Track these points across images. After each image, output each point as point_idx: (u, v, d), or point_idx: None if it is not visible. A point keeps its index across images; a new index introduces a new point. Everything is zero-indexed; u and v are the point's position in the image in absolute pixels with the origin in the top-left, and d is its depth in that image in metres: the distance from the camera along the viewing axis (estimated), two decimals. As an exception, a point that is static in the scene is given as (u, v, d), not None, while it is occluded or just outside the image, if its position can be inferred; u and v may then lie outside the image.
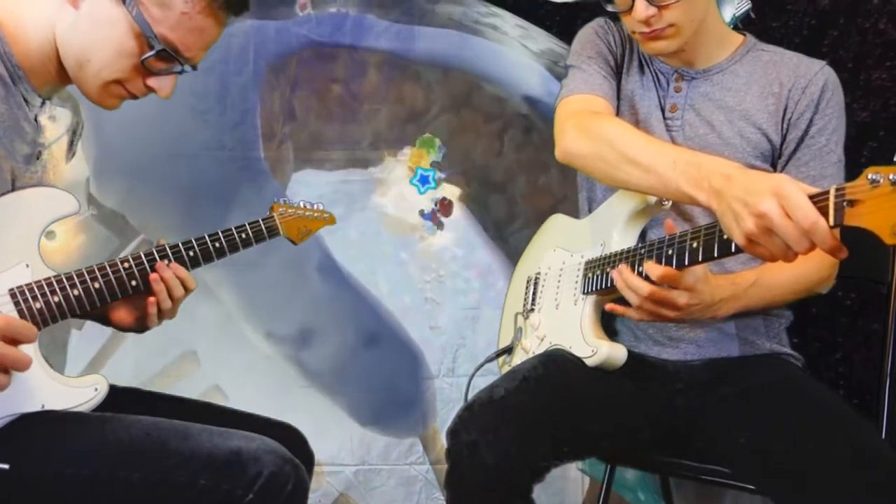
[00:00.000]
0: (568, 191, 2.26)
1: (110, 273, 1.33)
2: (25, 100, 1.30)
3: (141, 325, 1.42)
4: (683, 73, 1.60)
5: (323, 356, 2.25)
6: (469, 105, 2.30)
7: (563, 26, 2.23)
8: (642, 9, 1.46)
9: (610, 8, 1.54)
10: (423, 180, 2.28)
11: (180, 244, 1.41)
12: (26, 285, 1.26)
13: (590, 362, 1.49)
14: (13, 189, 1.29)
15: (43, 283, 1.28)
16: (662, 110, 1.61)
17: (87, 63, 1.28)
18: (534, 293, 1.72)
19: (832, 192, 1.04)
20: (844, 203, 1.02)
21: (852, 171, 1.03)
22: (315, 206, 1.66)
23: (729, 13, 2.14)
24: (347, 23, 2.25)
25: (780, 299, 1.53)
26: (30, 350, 1.18)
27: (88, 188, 2.16)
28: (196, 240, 1.42)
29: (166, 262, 1.38)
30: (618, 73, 1.65)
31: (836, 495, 1.25)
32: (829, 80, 1.53)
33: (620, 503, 2.24)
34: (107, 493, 1.20)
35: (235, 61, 2.19)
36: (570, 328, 1.55)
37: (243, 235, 1.48)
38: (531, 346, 1.65)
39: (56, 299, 1.28)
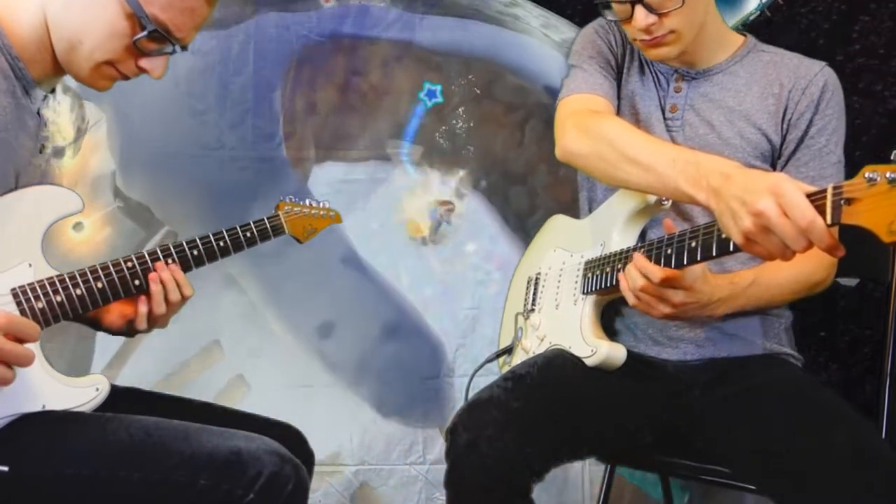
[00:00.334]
0: (588, 183, 2.25)
1: (113, 272, 1.34)
2: (27, 92, 1.30)
3: (131, 329, 1.41)
4: (684, 73, 1.60)
5: (345, 347, 2.25)
6: (490, 96, 2.28)
7: (585, 16, 2.17)
8: (642, 17, 1.46)
9: (610, 16, 1.55)
10: (430, 94, 2.28)
11: (184, 243, 1.41)
12: (28, 285, 1.26)
13: (589, 362, 1.49)
14: (17, 187, 1.29)
15: (45, 282, 1.28)
16: (662, 110, 1.61)
17: (78, 44, 1.27)
18: (534, 293, 1.72)
19: (829, 190, 1.04)
20: (842, 201, 1.02)
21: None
22: (321, 204, 1.66)
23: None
24: (368, 13, 2.24)
25: (778, 299, 1.53)
26: (32, 349, 1.18)
27: (115, 181, 2.17)
28: (200, 239, 1.42)
29: (168, 261, 1.38)
30: (618, 72, 1.65)
31: (836, 495, 1.25)
32: (829, 80, 1.54)
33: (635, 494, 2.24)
34: (107, 493, 1.20)
35: (255, 57, 2.20)
36: (570, 328, 1.55)
37: (248, 234, 1.48)
38: (531, 346, 1.65)
39: (58, 299, 1.28)
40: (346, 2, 2.23)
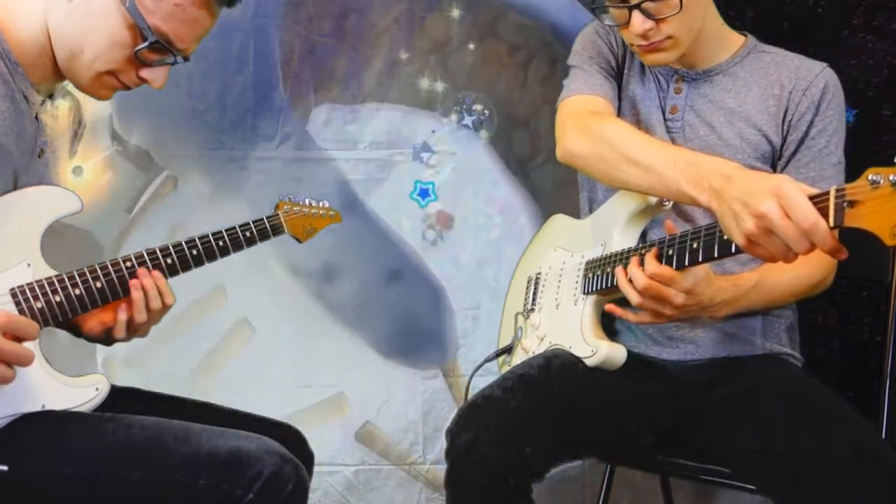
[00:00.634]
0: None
1: (112, 272, 1.33)
2: (26, 97, 1.30)
3: (109, 337, 1.39)
4: (684, 74, 1.60)
5: (347, 291, 2.25)
6: (493, 34, 2.23)
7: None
8: (639, 23, 1.46)
9: (607, 21, 1.54)
10: (423, 193, 2.28)
11: (183, 243, 1.40)
12: (27, 285, 1.26)
13: (590, 362, 1.50)
14: (15, 188, 1.29)
15: (44, 282, 1.28)
16: (663, 111, 1.61)
17: (80, 53, 1.27)
18: (534, 293, 1.72)
19: (832, 192, 1.04)
20: (844, 204, 1.02)
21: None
22: (321, 204, 1.66)
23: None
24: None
25: (779, 300, 1.53)
26: (31, 348, 1.18)
27: (112, 124, 2.16)
28: (200, 238, 1.42)
29: (152, 267, 1.36)
30: (619, 73, 1.65)
31: (836, 495, 1.25)
32: (829, 81, 1.53)
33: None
34: (107, 493, 1.20)
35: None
36: (570, 328, 1.55)
37: (247, 234, 1.48)
38: (531, 346, 1.65)
39: (57, 299, 1.28)
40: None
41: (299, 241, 1.62)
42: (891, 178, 0.96)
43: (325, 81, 2.22)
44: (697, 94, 1.59)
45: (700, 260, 1.30)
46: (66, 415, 1.26)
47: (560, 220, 1.81)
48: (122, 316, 1.34)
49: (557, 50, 2.23)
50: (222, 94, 2.17)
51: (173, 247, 1.39)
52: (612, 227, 1.54)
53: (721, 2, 1.57)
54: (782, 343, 1.60)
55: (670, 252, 1.35)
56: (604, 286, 1.49)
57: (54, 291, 1.28)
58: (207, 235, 1.43)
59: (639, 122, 1.61)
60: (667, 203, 1.49)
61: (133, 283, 1.34)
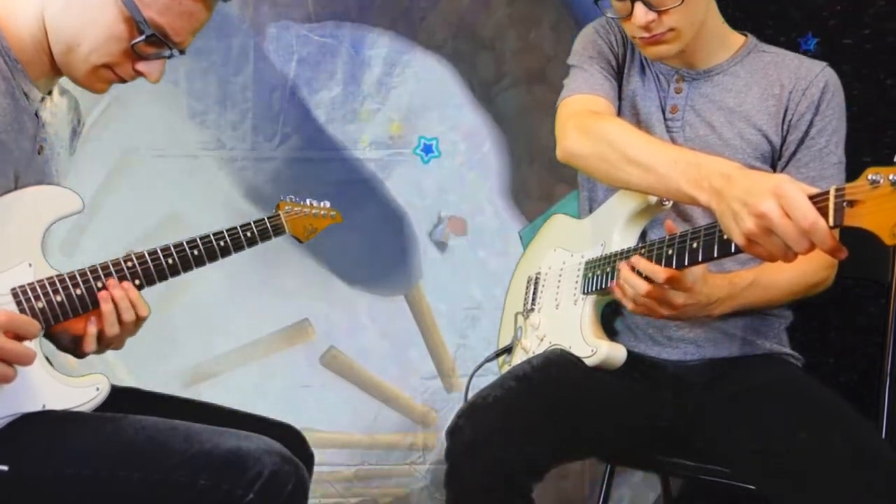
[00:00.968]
0: (560, 50, 2.16)
1: (113, 272, 1.33)
2: (25, 94, 1.30)
3: (78, 348, 1.35)
4: (684, 74, 1.60)
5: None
6: None
7: None
8: (642, 14, 1.45)
9: (609, 14, 1.54)
10: (427, 149, 2.27)
11: (184, 243, 1.40)
12: (28, 284, 1.26)
13: (589, 362, 1.49)
14: (16, 187, 1.29)
15: (45, 282, 1.28)
16: (663, 111, 1.61)
17: (76, 47, 1.27)
18: (534, 293, 1.72)
19: (832, 192, 1.04)
20: (844, 203, 1.02)
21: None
22: (321, 204, 1.66)
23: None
24: None
25: (777, 299, 1.53)
26: (32, 348, 1.18)
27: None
28: (201, 238, 1.41)
29: (154, 267, 1.35)
30: (619, 73, 1.65)
31: (836, 495, 1.25)
32: (829, 81, 1.53)
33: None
34: (107, 493, 1.20)
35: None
36: (570, 328, 1.55)
37: (248, 234, 1.48)
38: (531, 346, 1.65)
39: (59, 298, 1.28)
40: None
41: (300, 241, 1.62)
42: (890, 177, 0.96)
43: (325, 81, 2.22)
44: (698, 93, 1.59)
45: (700, 260, 1.30)
46: (66, 415, 1.26)
47: (560, 220, 1.81)
48: (92, 329, 1.31)
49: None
50: (222, 94, 2.18)
51: (174, 247, 1.39)
52: (612, 226, 1.54)
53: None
54: (782, 343, 1.61)
55: (670, 252, 1.35)
56: (603, 286, 1.49)
57: (55, 291, 1.28)
58: (209, 235, 1.43)
59: (639, 122, 1.61)
60: (667, 203, 1.49)
61: (102, 294, 1.31)
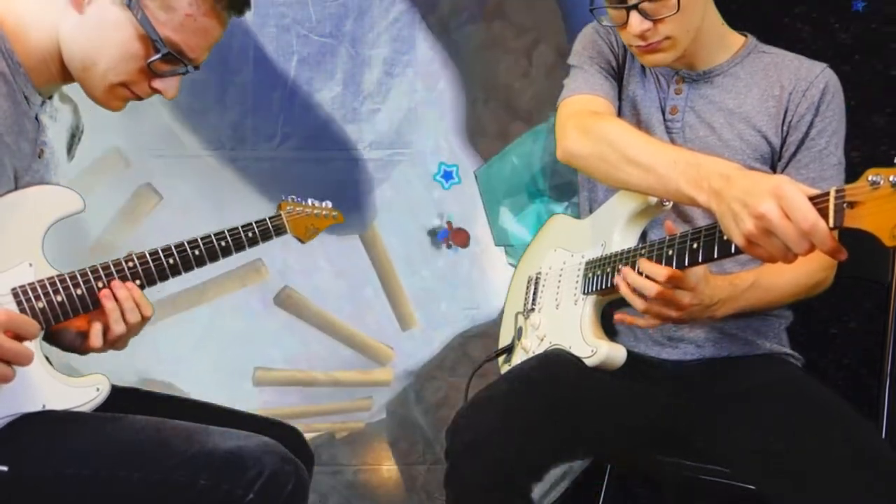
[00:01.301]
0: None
1: (114, 272, 1.33)
2: (26, 97, 1.30)
3: (81, 344, 1.36)
4: (684, 75, 1.60)
5: (259, 157, 2.23)
6: None
7: None
8: (637, 23, 1.45)
9: (605, 22, 1.54)
10: (447, 175, 2.27)
11: (185, 243, 1.40)
12: (29, 284, 1.26)
13: (589, 362, 1.49)
14: (17, 188, 1.29)
15: (46, 282, 1.28)
16: (663, 112, 1.61)
17: (92, 66, 1.28)
18: (534, 293, 1.72)
19: (832, 193, 1.04)
20: (844, 205, 1.02)
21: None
22: (323, 205, 1.66)
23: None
24: None
25: (778, 301, 1.53)
26: (32, 348, 1.18)
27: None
28: (202, 238, 1.42)
29: (154, 267, 1.35)
30: (619, 73, 1.65)
31: (836, 495, 1.25)
32: (829, 82, 1.53)
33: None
34: (107, 493, 1.20)
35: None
36: (570, 328, 1.55)
37: (249, 234, 1.48)
38: (531, 346, 1.65)
39: (59, 298, 1.28)
40: None
41: (302, 241, 1.63)
42: (891, 178, 0.96)
43: (325, 81, 2.22)
44: (697, 94, 1.59)
45: (700, 260, 1.30)
46: (66, 415, 1.26)
47: (560, 220, 1.81)
48: (97, 325, 1.31)
49: None
50: (222, 94, 2.17)
51: (175, 247, 1.39)
52: (613, 227, 1.54)
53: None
54: (782, 343, 1.61)
55: (670, 252, 1.35)
56: (604, 286, 1.49)
57: (56, 291, 1.28)
58: (210, 235, 1.43)
59: (639, 123, 1.61)
60: (667, 203, 1.49)
61: (104, 293, 1.31)
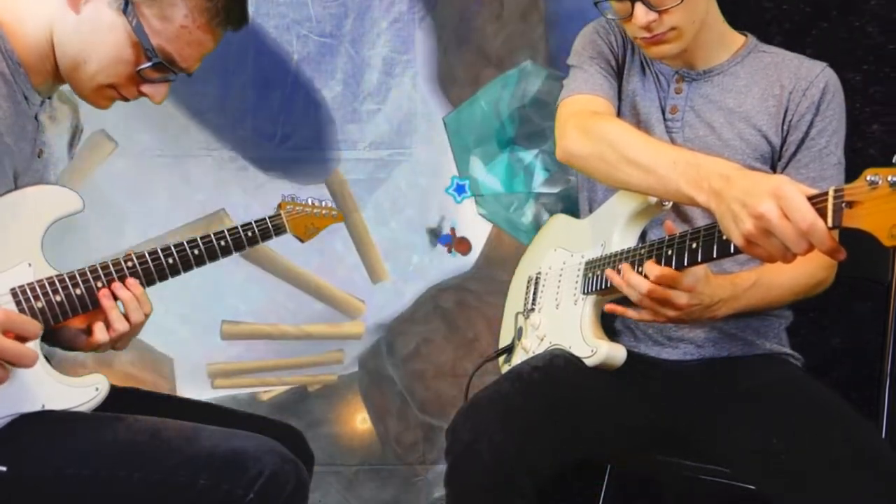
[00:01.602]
0: None
1: (113, 272, 1.33)
2: (26, 97, 1.30)
3: (84, 342, 1.35)
4: (684, 74, 1.60)
5: (220, 103, 2.18)
6: None
7: None
8: (642, 14, 1.45)
9: (610, 15, 1.54)
10: (460, 189, 2.27)
11: (185, 242, 1.40)
12: (28, 284, 1.26)
13: (589, 362, 1.50)
14: (16, 187, 1.29)
15: (45, 282, 1.28)
16: (663, 111, 1.61)
17: (83, 65, 1.28)
18: (534, 293, 1.72)
19: (831, 193, 1.04)
20: (843, 204, 1.02)
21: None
22: (323, 204, 1.66)
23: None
24: None
25: (778, 301, 1.53)
26: (32, 348, 1.18)
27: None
28: (201, 238, 1.42)
29: (154, 267, 1.35)
30: (619, 73, 1.65)
31: (836, 495, 1.25)
32: (830, 82, 1.53)
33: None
34: (107, 493, 1.20)
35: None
36: (570, 328, 1.55)
37: (249, 234, 1.48)
38: (531, 346, 1.65)
39: (58, 298, 1.28)
40: None
41: (301, 240, 1.63)
42: (889, 178, 0.96)
43: (325, 81, 2.22)
44: (698, 94, 1.59)
45: (699, 260, 1.30)
46: (66, 415, 1.26)
47: (560, 220, 1.81)
48: (101, 323, 1.31)
49: None
50: (222, 94, 2.17)
51: (175, 246, 1.39)
52: (612, 227, 1.55)
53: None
54: (782, 343, 1.61)
55: (669, 252, 1.35)
56: (604, 286, 1.49)
57: (55, 291, 1.28)
58: (209, 235, 1.43)
59: (638, 122, 1.61)
60: (666, 203, 1.49)
61: (103, 292, 1.31)
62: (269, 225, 1.52)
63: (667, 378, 1.55)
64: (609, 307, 1.48)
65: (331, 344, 2.28)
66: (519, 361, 1.61)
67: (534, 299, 1.72)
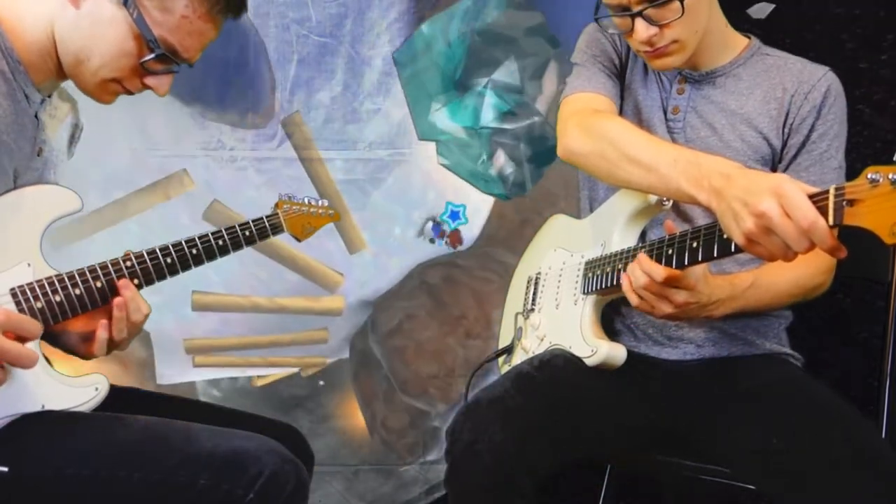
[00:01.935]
0: None
1: (112, 271, 1.33)
2: (26, 96, 1.30)
3: (85, 349, 1.35)
4: (687, 75, 1.60)
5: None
6: None
7: None
8: (643, 29, 1.45)
9: (611, 30, 1.54)
10: (454, 216, 2.27)
11: (183, 242, 1.40)
12: (27, 284, 1.26)
13: (589, 362, 1.49)
14: (16, 187, 1.29)
15: (45, 282, 1.28)
16: (664, 111, 1.61)
17: (86, 60, 1.29)
18: (534, 293, 1.72)
19: (832, 191, 1.04)
20: (844, 202, 1.02)
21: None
22: (320, 203, 1.67)
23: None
24: None
25: (777, 301, 1.53)
26: (32, 348, 1.18)
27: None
28: (199, 237, 1.42)
29: (152, 267, 1.35)
30: (621, 72, 1.65)
31: (836, 495, 1.25)
32: (832, 85, 1.53)
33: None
34: (107, 493, 1.20)
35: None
36: (570, 328, 1.55)
37: (247, 233, 1.48)
38: (531, 346, 1.65)
39: (58, 298, 1.28)
40: None
41: (298, 239, 1.63)
42: (890, 176, 0.96)
43: (325, 81, 2.22)
44: (700, 95, 1.59)
45: (700, 259, 1.30)
46: (65, 415, 1.26)
47: (560, 220, 1.81)
48: (103, 333, 1.30)
49: None
50: (222, 94, 2.18)
51: (173, 246, 1.39)
52: (612, 226, 1.54)
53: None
54: (782, 343, 1.61)
55: (670, 252, 1.35)
56: (604, 286, 1.49)
57: (54, 291, 1.28)
58: (207, 235, 1.43)
59: (640, 122, 1.61)
60: (667, 202, 1.49)
61: (118, 301, 1.30)
62: (267, 224, 1.52)
63: (667, 378, 1.55)
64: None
65: (312, 321, 2.19)
66: (519, 361, 1.61)
67: (534, 299, 1.71)
